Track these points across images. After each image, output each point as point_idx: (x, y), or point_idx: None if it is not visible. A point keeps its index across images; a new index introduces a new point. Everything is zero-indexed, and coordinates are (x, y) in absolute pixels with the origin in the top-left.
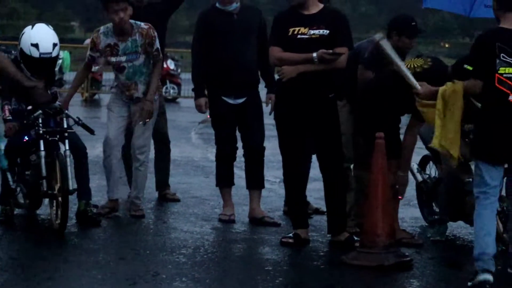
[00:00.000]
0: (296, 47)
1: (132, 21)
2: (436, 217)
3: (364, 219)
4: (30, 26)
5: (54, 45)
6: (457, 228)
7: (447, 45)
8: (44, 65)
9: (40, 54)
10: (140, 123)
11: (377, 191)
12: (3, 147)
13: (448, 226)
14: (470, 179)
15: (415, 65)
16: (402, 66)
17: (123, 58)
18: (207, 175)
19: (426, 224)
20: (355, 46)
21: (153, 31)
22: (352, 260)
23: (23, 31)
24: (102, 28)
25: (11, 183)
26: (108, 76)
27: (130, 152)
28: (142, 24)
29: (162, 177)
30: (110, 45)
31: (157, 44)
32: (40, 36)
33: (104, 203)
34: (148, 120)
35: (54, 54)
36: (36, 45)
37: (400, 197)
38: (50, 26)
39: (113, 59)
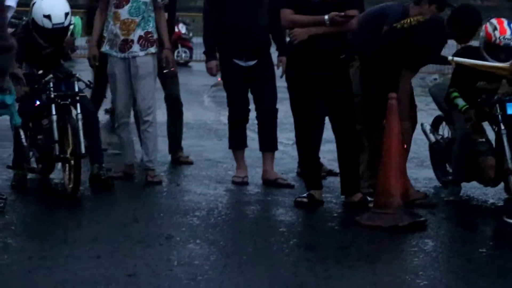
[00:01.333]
0: (308, 9)
1: None
2: (449, 177)
3: (378, 180)
4: None
5: (66, 14)
6: (471, 188)
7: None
8: (57, 35)
9: (53, 25)
10: (165, 71)
11: (391, 152)
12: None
13: (462, 187)
14: (483, 140)
15: (411, 20)
16: (480, 62)
17: None
18: (220, 137)
19: (440, 184)
20: (383, 6)
21: None
22: (366, 221)
23: (34, 0)
24: None
25: (23, 141)
26: None
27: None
28: None
29: (175, 140)
30: None
31: None
32: (52, 7)
33: (119, 168)
34: (173, 68)
35: (66, 24)
36: (48, 16)
37: (405, 145)
38: None
39: None
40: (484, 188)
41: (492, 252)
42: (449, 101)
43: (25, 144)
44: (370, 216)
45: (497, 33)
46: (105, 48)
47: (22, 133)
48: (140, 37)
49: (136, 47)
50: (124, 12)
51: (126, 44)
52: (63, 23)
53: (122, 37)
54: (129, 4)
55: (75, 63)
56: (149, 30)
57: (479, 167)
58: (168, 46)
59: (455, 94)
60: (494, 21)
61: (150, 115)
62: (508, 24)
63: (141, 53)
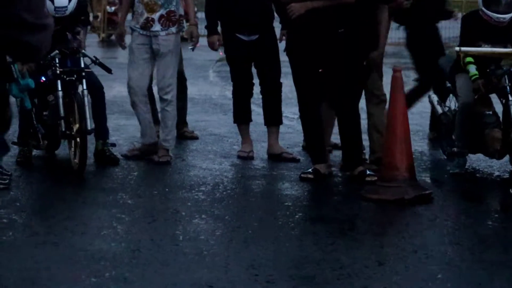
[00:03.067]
0: None
1: None
2: (454, 149)
3: (383, 153)
4: None
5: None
6: (476, 161)
7: None
8: (60, 19)
9: (56, 8)
10: (190, 47)
11: (396, 125)
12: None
13: (468, 159)
14: (490, 112)
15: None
16: (489, 49)
17: None
18: (225, 112)
19: (445, 156)
20: None
21: None
22: (371, 194)
23: None
24: None
25: (35, 123)
26: None
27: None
28: None
29: (180, 115)
30: None
31: None
32: None
33: (139, 146)
34: (198, 44)
35: (70, 8)
36: None
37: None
38: None
39: None
40: (489, 161)
41: (498, 225)
42: (459, 65)
43: (35, 124)
44: (376, 189)
45: None
46: (132, 22)
47: (33, 115)
48: (161, 16)
49: (157, 26)
50: None
51: (147, 23)
52: (66, 7)
53: (145, 15)
54: None
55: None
56: (172, 9)
57: (485, 139)
58: (194, 22)
59: (469, 59)
60: None
61: (169, 94)
62: None
63: (162, 33)
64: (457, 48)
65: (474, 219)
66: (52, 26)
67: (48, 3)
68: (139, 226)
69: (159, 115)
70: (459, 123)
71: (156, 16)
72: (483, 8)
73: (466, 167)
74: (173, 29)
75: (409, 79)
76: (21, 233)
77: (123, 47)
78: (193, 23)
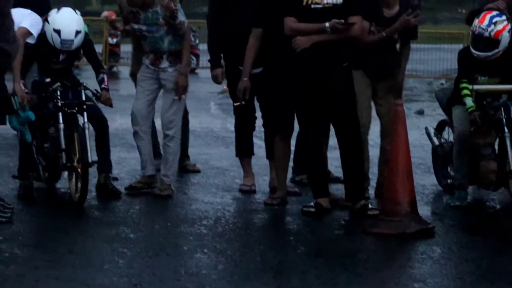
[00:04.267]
0: (311, 17)
1: None
2: (449, 181)
3: (384, 187)
4: (56, 9)
5: (77, 32)
6: (478, 193)
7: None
8: (63, 64)
9: (62, 40)
10: (176, 97)
11: (398, 158)
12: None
13: (476, 192)
14: (487, 144)
15: None
16: (498, 86)
17: (144, 27)
18: (227, 145)
19: (441, 188)
20: None
21: (174, 4)
22: (373, 228)
23: (49, 13)
24: None
25: (35, 155)
26: (127, 49)
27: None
28: None
29: (182, 148)
30: (133, 12)
31: (181, 17)
32: (64, 22)
33: (139, 179)
34: (183, 96)
35: (76, 43)
36: (58, 31)
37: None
38: (77, 11)
39: (135, 25)
40: (491, 193)
41: (501, 259)
42: (456, 97)
43: (35, 157)
44: (378, 224)
45: (476, 21)
46: (143, 57)
47: (34, 148)
48: (169, 55)
49: (165, 63)
50: (146, 45)
51: (156, 60)
52: (72, 40)
53: (152, 55)
54: (147, 40)
55: (81, 71)
56: (177, 49)
57: (480, 170)
58: (184, 71)
59: (466, 92)
60: (485, 11)
61: (171, 130)
62: (493, 16)
63: (170, 69)
64: (470, 87)
65: (476, 253)
66: (13, 56)
67: (55, 35)
68: (140, 260)
69: (161, 149)
70: (457, 154)
71: (164, 55)
72: (471, 48)
73: (471, 201)
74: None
75: (411, 111)
76: (23, 267)
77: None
78: (182, 72)
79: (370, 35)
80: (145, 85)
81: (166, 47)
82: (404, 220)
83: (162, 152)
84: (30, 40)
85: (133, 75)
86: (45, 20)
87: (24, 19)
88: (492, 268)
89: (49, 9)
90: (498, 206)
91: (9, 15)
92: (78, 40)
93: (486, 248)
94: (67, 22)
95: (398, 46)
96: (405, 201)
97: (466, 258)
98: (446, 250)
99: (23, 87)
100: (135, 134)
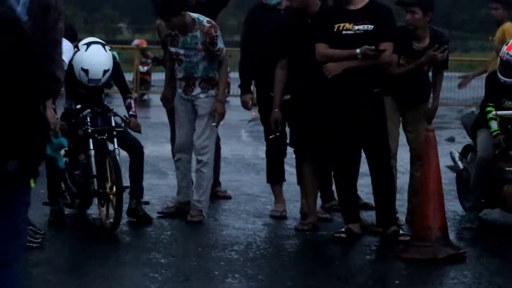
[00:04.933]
0: (342, 43)
1: (195, 15)
2: (469, 203)
3: (415, 212)
4: (85, 46)
5: (105, 71)
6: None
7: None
8: (91, 89)
9: (89, 80)
10: (214, 124)
11: (429, 184)
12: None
13: (508, 218)
14: (511, 168)
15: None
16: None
17: (181, 51)
18: (258, 172)
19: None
20: None
21: (215, 30)
22: (404, 254)
23: (79, 48)
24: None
25: (68, 183)
26: (157, 77)
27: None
28: (205, 21)
29: (213, 175)
30: (171, 35)
31: (220, 43)
32: (92, 62)
33: (174, 204)
34: (222, 122)
35: (103, 81)
36: (86, 71)
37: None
38: (107, 47)
39: (172, 49)
40: None
41: None
42: (482, 121)
43: (69, 184)
44: (409, 249)
45: (505, 48)
46: (177, 84)
47: (67, 174)
48: (201, 81)
49: (197, 90)
50: (181, 70)
51: (188, 88)
52: (99, 79)
53: (184, 82)
54: (183, 64)
55: (112, 98)
56: (211, 75)
57: (504, 194)
58: (221, 99)
59: (491, 115)
60: None
61: (204, 155)
62: None
63: (202, 95)
64: (493, 113)
65: (508, 279)
66: (62, 82)
67: (82, 73)
68: (172, 286)
69: (195, 175)
70: (475, 177)
71: (196, 82)
72: (498, 74)
73: (501, 226)
74: (212, 92)
75: (442, 138)
76: None
77: (168, 108)
78: (220, 100)
79: (399, 67)
80: (184, 113)
81: (200, 73)
82: (435, 245)
83: (195, 177)
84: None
85: (165, 99)
86: (75, 46)
87: None
88: None
89: (76, 37)
90: None
91: (62, 43)
92: (105, 78)
93: None
94: (95, 62)
95: (430, 74)
96: (436, 227)
97: (498, 284)
98: (477, 275)
99: (53, 112)
100: (178, 161)
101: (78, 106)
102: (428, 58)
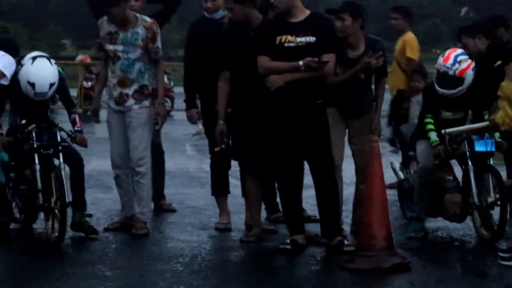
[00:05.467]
0: (284, 55)
1: (137, 13)
2: (414, 214)
3: (360, 222)
4: (31, 60)
5: (51, 85)
6: (455, 230)
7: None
8: (36, 104)
9: (35, 93)
10: (156, 127)
11: (373, 194)
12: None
13: (450, 226)
14: (451, 177)
15: None
16: (467, 127)
17: (120, 48)
18: (203, 185)
19: (406, 221)
20: None
21: (156, 27)
22: (350, 264)
23: (23, 61)
24: (106, 16)
25: (9, 197)
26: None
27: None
28: (147, 18)
29: (158, 188)
30: (111, 33)
31: (159, 42)
32: (38, 75)
33: (119, 219)
34: (164, 125)
35: (50, 93)
36: (32, 84)
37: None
38: (52, 60)
39: (110, 47)
40: (467, 227)
41: None
42: (421, 132)
43: (10, 199)
44: (354, 259)
45: (441, 60)
46: (105, 97)
47: (7, 189)
48: (135, 91)
49: (130, 101)
50: (117, 69)
51: (121, 98)
52: (46, 93)
53: (118, 90)
54: (120, 61)
55: (56, 114)
56: (145, 83)
57: (445, 203)
58: (161, 101)
59: (430, 126)
60: (450, 50)
61: (142, 166)
62: (457, 55)
63: (135, 106)
64: (443, 131)
65: (453, 287)
66: None
67: (29, 87)
68: None
69: (134, 187)
70: (418, 187)
71: (130, 91)
72: (436, 86)
73: (445, 234)
74: (146, 103)
75: (386, 150)
76: None
77: (97, 122)
78: (160, 102)
79: (335, 76)
80: (116, 128)
81: (135, 74)
82: (380, 255)
83: (135, 190)
84: (3, 82)
85: (94, 112)
86: (18, 62)
87: None
88: None
89: (18, 52)
90: (474, 242)
91: None
92: (52, 91)
93: (462, 282)
94: (41, 75)
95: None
96: (380, 236)
97: None
98: (423, 284)
99: None
100: (117, 177)
101: (23, 121)
102: (362, 65)
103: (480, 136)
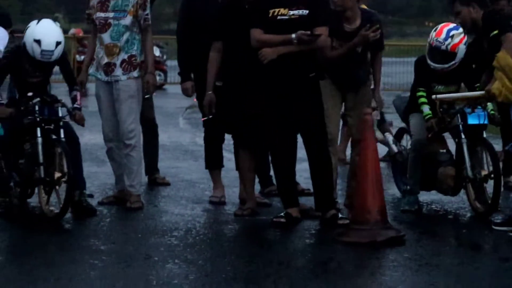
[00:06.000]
0: (277, 28)
1: None
2: (408, 187)
3: (354, 196)
4: (36, 21)
5: (58, 43)
6: (449, 202)
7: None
8: (45, 65)
9: (42, 51)
10: (146, 96)
11: (367, 166)
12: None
13: (444, 199)
14: (444, 150)
15: None
16: (460, 94)
17: (111, 14)
18: (196, 159)
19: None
20: None
21: None
22: (344, 237)
23: (29, 25)
24: None
25: (3, 170)
26: None
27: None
28: None
29: (151, 161)
30: (102, 1)
31: (149, 10)
32: (44, 33)
33: (113, 193)
34: (154, 93)
35: (56, 54)
36: (38, 41)
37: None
38: (57, 23)
39: (101, 14)
40: (461, 200)
41: (471, 266)
42: (413, 105)
43: (4, 171)
44: (348, 232)
45: (433, 34)
46: (91, 70)
47: (2, 162)
48: (123, 61)
49: (118, 71)
50: (106, 37)
51: (109, 67)
52: (52, 51)
53: (106, 60)
54: (111, 29)
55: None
56: (133, 53)
57: (439, 177)
58: (151, 70)
59: (423, 100)
60: (442, 24)
61: (132, 139)
62: (450, 29)
63: (123, 77)
64: (433, 96)
65: (447, 260)
66: None
67: (35, 45)
68: (112, 272)
69: (124, 160)
70: (412, 160)
71: (118, 61)
72: (427, 59)
73: (439, 207)
74: (134, 73)
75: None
76: None
77: (84, 95)
78: (150, 71)
79: (332, 50)
80: (106, 101)
81: (123, 43)
82: (374, 228)
83: (125, 163)
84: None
85: (81, 83)
86: (11, 34)
87: None
88: (463, 275)
89: (10, 24)
90: (468, 214)
91: None
92: (58, 51)
93: (457, 254)
94: (47, 32)
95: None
96: (374, 210)
97: (437, 265)
98: (417, 257)
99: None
100: (109, 150)
101: (30, 94)
102: (360, 38)
103: (472, 107)
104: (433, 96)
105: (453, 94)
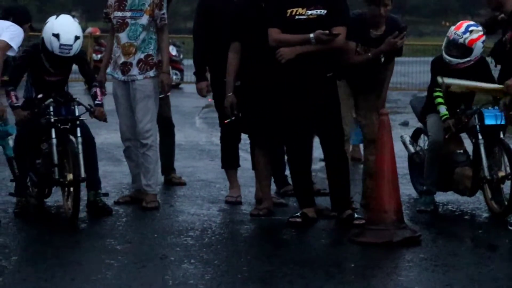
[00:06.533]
0: (295, 28)
1: None
2: (425, 187)
3: (371, 196)
4: (55, 16)
5: (76, 38)
6: (464, 203)
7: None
8: (63, 61)
9: (60, 45)
10: (161, 96)
11: (384, 167)
12: (14, 135)
13: (460, 200)
14: (461, 151)
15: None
16: (472, 83)
17: (128, 14)
18: (213, 158)
19: (417, 195)
20: None
21: None
22: (360, 238)
23: (47, 20)
24: None
25: (16, 171)
26: None
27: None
28: None
29: (167, 161)
30: (119, 0)
31: (165, 9)
32: (63, 27)
33: (130, 193)
34: (169, 93)
35: (74, 48)
36: (57, 35)
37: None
38: (75, 18)
39: (119, 13)
40: (477, 201)
41: (487, 266)
42: (430, 105)
43: (17, 173)
44: (364, 233)
45: (452, 28)
46: (109, 69)
47: (14, 163)
48: (139, 61)
49: (135, 71)
50: (123, 36)
51: (125, 67)
52: (71, 45)
53: (122, 60)
54: (128, 28)
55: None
56: (150, 53)
57: (456, 177)
58: (166, 69)
59: (440, 100)
60: (463, 21)
61: (148, 138)
62: (469, 25)
63: (140, 77)
64: (439, 79)
65: (463, 261)
66: None
67: (53, 39)
68: (128, 272)
69: (141, 160)
70: (429, 161)
71: (134, 60)
72: (443, 53)
73: (455, 207)
74: (151, 73)
75: (396, 123)
76: (11, 279)
77: (103, 94)
78: (165, 71)
79: (356, 55)
80: (123, 100)
81: (139, 42)
82: (390, 228)
83: (141, 162)
84: (10, 53)
85: (101, 83)
86: (29, 27)
87: (4, 32)
88: (479, 275)
89: (29, 19)
90: (484, 215)
91: None
92: (76, 46)
93: (473, 255)
94: (66, 27)
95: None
96: (391, 210)
97: (453, 265)
98: (434, 257)
99: (15, 100)
100: (127, 149)
101: (40, 96)
102: (387, 46)
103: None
104: (439, 79)
105: (462, 81)
